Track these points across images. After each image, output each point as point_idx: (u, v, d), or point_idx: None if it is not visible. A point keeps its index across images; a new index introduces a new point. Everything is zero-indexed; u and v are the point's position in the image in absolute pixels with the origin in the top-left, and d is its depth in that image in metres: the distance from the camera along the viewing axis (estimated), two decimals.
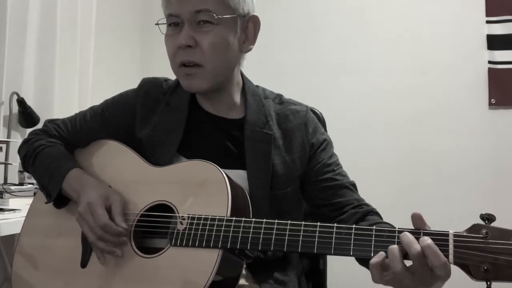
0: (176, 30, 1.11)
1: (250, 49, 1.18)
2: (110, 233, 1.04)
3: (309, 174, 1.19)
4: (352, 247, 0.89)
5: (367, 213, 1.14)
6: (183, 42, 1.08)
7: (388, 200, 2.71)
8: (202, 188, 1.04)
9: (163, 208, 1.07)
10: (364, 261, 1.07)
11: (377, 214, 1.15)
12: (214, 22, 1.08)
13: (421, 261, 0.82)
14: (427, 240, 0.82)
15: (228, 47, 1.12)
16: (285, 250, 0.94)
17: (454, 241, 0.83)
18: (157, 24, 1.14)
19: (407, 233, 0.85)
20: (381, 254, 0.86)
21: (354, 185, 1.21)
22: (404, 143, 2.79)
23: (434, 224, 0.89)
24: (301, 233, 0.93)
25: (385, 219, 1.13)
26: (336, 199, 1.17)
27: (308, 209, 1.34)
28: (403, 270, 0.83)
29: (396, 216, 1.21)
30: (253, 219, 0.98)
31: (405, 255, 0.84)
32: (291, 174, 1.17)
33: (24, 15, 2.30)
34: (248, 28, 1.16)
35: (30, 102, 2.30)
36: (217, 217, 0.99)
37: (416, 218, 0.87)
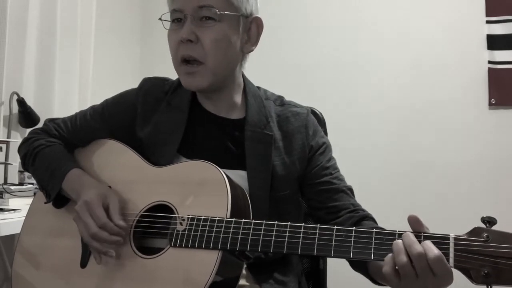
0: (179, 25, 1.11)
1: (252, 50, 1.18)
2: (108, 232, 1.03)
3: (307, 176, 1.19)
4: (352, 250, 0.90)
5: (363, 218, 1.14)
6: (184, 36, 1.09)
7: (387, 201, 2.71)
8: (201, 189, 1.04)
9: (163, 208, 1.07)
10: (358, 267, 1.08)
11: (372, 219, 1.15)
12: (216, 18, 1.09)
13: (422, 262, 0.82)
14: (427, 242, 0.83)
15: (229, 45, 1.12)
16: (284, 251, 0.94)
17: (455, 244, 0.83)
18: (160, 19, 1.14)
19: (409, 233, 0.85)
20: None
21: (351, 189, 1.20)
22: (404, 143, 2.78)
23: (433, 226, 0.88)
24: (301, 235, 0.94)
25: (384, 220, 1.13)
26: (332, 203, 1.17)
27: (308, 210, 1.33)
28: (408, 263, 0.83)
29: (394, 216, 1.21)
30: (253, 221, 0.98)
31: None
32: (290, 176, 1.17)
33: (24, 15, 2.30)
34: (251, 29, 1.16)
35: (30, 102, 2.30)
36: (217, 218, 0.99)
37: (414, 221, 0.87)
